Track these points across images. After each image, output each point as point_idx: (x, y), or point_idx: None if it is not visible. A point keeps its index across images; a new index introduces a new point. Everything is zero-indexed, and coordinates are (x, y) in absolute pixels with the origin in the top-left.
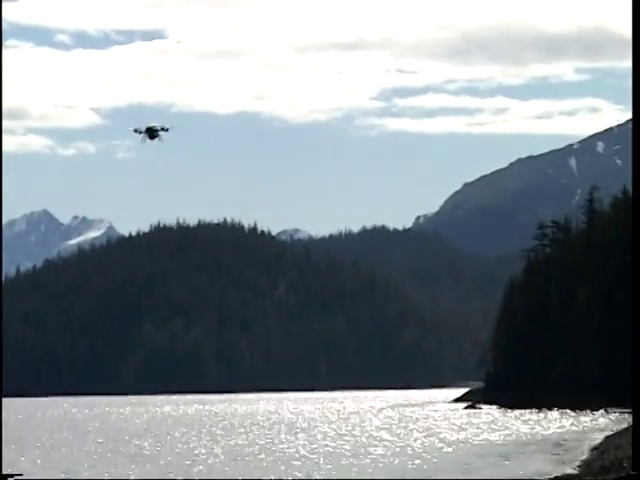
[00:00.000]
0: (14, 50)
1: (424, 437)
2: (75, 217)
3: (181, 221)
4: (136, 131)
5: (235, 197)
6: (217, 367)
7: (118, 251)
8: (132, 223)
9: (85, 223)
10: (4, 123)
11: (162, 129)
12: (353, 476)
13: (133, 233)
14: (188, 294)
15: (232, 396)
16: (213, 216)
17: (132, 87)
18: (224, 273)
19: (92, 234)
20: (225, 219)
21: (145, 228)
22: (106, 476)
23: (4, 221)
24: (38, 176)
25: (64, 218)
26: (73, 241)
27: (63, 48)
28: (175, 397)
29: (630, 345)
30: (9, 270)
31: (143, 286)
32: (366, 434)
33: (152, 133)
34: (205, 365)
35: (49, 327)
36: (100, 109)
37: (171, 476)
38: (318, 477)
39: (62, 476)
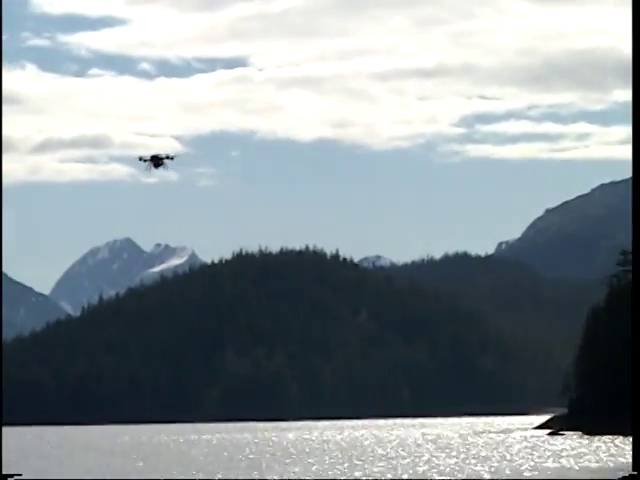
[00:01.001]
0: (97, 79)
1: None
2: (158, 245)
3: (263, 248)
4: (141, 159)
5: (317, 224)
6: (299, 394)
7: (200, 279)
8: (214, 251)
9: (168, 251)
10: (88, 151)
11: (167, 157)
12: None
13: (215, 261)
14: (270, 321)
15: (318, 423)
16: (295, 243)
17: (214, 115)
18: (306, 300)
19: (175, 262)
20: (307, 246)
21: (227, 255)
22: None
23: (88, 249)
24: (121, 204)
25: (147, 246)
26: (156, 269)
27: (146, 77)
28: (261, 424)
29: None
30: (92, 298)
31: (225, 314)
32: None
33: (157, 161)
34: (287, 392)
35: (132, 355)
36: (182, 137)
37: None
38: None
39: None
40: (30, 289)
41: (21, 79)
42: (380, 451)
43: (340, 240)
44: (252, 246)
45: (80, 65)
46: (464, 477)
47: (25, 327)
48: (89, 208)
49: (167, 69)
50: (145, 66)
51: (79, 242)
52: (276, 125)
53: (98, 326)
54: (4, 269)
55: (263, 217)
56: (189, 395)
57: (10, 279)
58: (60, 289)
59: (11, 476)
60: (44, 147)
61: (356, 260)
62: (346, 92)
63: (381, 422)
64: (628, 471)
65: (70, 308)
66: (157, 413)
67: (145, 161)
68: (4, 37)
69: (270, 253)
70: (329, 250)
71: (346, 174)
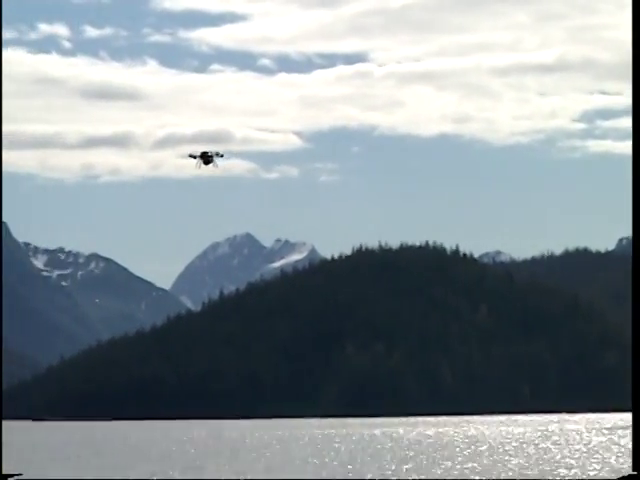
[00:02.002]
0: (218, 75)
1: None
2: (278, 240)
3: (383, 244)
4: (191, 156)
5: (437, 219)
6: (419, 390)
7: (320, 274)
8: (334, 246)
9: (288, 246)
10: (209, 147)
11: (217, 154)
12: None
13: (335, 256)
14: (389, 317)
15: (440, 419)
16: (415, 239)
17: (334, 110)
18: (425, 296)
19: (295, 257)
20: (427, 242)
21: (347, 251)
22: None
23: (208, 244)
24: (241, 200)
25: (267, 241)
26: (276, 264)
27: (266, 72)
28: (379, 420)
29: None
30: (212, 293)
31: (344, 309)
32: None
33: (207, 159)
34: (406, 388)
35: (252, 350)
36: (303, 133)
37: None
38: None
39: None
40: (151, 284)
41: (142, 75)
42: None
43: (460, 235)
44: (372, 241)
45: (201, 61)
46: None
47: (146, 322)
48: (210, 203)
49: (287, 65)
50: (265, 62)
51: (200, 237)
52: (396, 120)
53: (218, 321)
54: (125, 265)
55: (383, 212)
56: (308, 390)
57: (131, 274)
58: (181, 284)
59: (11, 476)
60: (165, 143)
61: (476, 256)
62: (466, 87)
63: (502, 418)
64: None
65: (190, 303)
66: (276, 408)
67: (195, 158)
68: (125, 33)
69: (390, 249)
70: (449, 245)
71: (466, 169)
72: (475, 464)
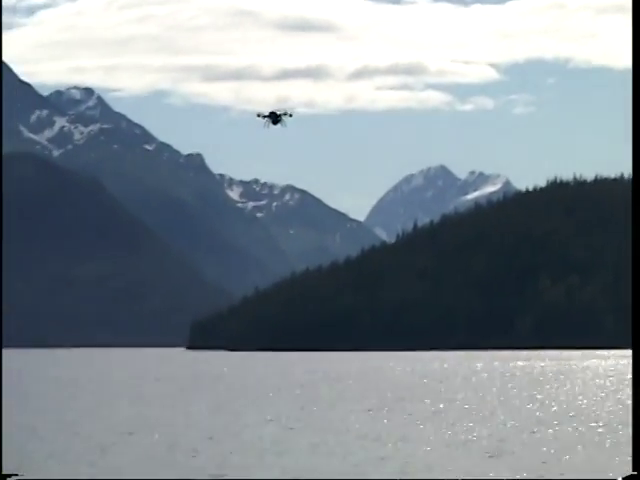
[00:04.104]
0: (412, 6)
1: None
2: (472, 172)
3: (577, 176)
4: (259, 116)
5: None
6: (613, 323)
7: (514, 207)
8: (528, 178)
9: (482, 178)
10: (404, 79)
11: (285, 114)
12: None
13: (530, 188)
14: (583, 250)
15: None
16: (610, 171)
17: (530, 42)
18: (619, 229)
19: (489, 189)
20: (622, 174)
21: (541, 183)
22: None
23: (402, 176)
24: (436, 132)
25: (461, 173)
26: (469, 196)
27: (461, 3)
28: (575, 353)
29: None
30: (406, 225)
31: (539, 242)
32: None
33: (275, 118)
34: (600, 322)
35: (445, 282)
36: (498, 64)
37: None
38: None
39: None
40: (345, 215)
41: (337, 7)
42: None
43: None
44: (566, 174)
45: None
46: None
47: (340, 253)
48: (404, 135)
49: None
50: None
51: (394, 169)
52: (591, 53)
53: (412, 253)
54: (320, 196)
55: (578, 145)
56: (502, 323)
57: (325, 206)
58: (375, 216)
59: (10, 476)
60: (360, 75)
61: None
62: None
63: None
64: None
65: (384, 235)
66: (470, 340)
67: (264, 117)
68: None
69: (584, 181)
70: None
71: None
72: None
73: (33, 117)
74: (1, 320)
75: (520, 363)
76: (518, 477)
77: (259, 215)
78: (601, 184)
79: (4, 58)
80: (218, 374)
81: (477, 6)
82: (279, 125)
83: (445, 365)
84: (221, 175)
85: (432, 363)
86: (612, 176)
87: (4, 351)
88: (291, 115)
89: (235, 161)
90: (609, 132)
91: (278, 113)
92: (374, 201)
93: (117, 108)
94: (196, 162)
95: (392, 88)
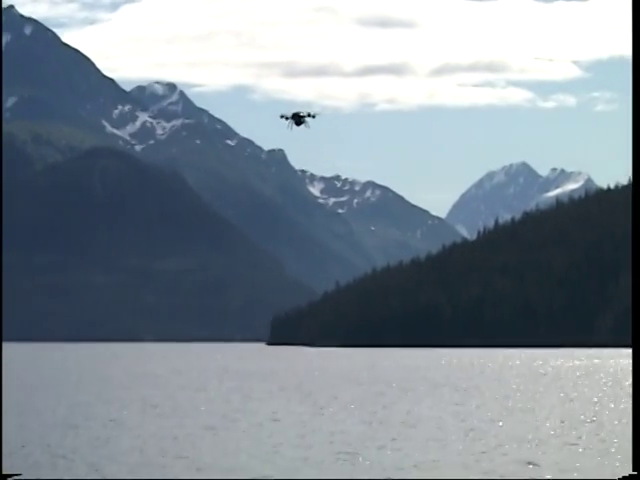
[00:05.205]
0: (493, 2)
1: None
2: (553, 169)
3: None
4: (282, 117)
5: None
6: None
7: (596, 204)
8: (610, 176)
9: (563, 176)
10: (486, 75)
11: (309, 115)
12: None
13: (612, 186)
14: None
15: None
16: None
17: (612, 39)
18: None
19: (570, 186)
20: None
21: (624, 181)
22: None
23: (484, 173)
24: (518, 128)
25: (543, 170)
26: (551, 193)
27: (543, 0)
28: None
29: None
30: (488, 222)
31: (621, 239)
32: None
33: (298, 119)
34: None
35: (526, 279)
36: (581, 62)
37: None
38: None
39: None
40: (426, 212)
41: (419, 4)
42: None
43: None
44: None
45: None
46: None
47: (421, 250)
48: (486, 132)
49: None
50: None
51: (476, 166)
52: None
53: (493, 250)
54: (401, 193)
55: None
56: (582, 320)
57: (407, 202)
58: (456, 212)
59: (10, 476)
60: (441, 71)
61: None
62: None
63: None
64: None
65: (466, 231)
66: (550, 337)
67: (287, 119)
68: None
69: None
70: None
71: None
72: None
73: (116, 112)
74: (1, 316)
75: (597, 361)
76: (518, 477)
77: (340, 211)
78: None
79: (87, 54)
80: (342, 371)
81: (560, 3)
82: (302, 126)
83: (539, 362)
84: (302, 171)
85: (529, 361)
86: None
87: (88, 345)
88: (314, 116)
89: (316, 157)
90: None
91: (301, 114)
92: (455, 198)
93: (199, 103)
94: (278, 157)
95: (474, 85)
